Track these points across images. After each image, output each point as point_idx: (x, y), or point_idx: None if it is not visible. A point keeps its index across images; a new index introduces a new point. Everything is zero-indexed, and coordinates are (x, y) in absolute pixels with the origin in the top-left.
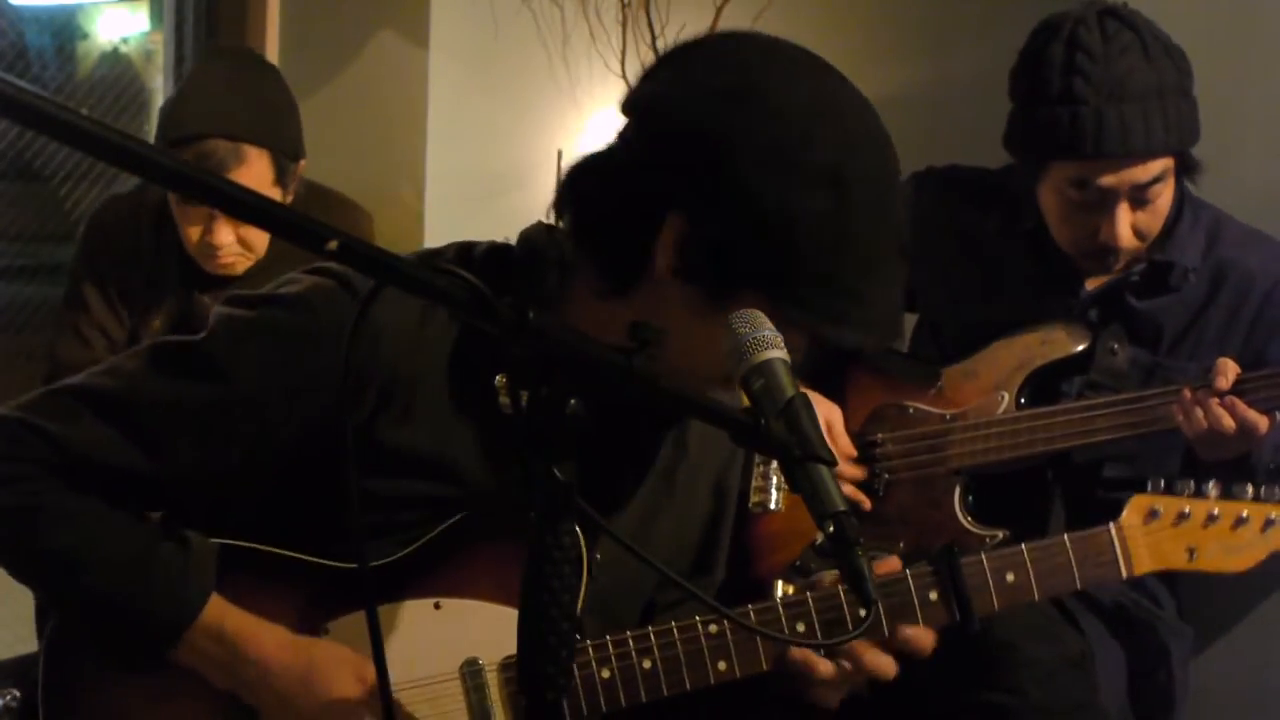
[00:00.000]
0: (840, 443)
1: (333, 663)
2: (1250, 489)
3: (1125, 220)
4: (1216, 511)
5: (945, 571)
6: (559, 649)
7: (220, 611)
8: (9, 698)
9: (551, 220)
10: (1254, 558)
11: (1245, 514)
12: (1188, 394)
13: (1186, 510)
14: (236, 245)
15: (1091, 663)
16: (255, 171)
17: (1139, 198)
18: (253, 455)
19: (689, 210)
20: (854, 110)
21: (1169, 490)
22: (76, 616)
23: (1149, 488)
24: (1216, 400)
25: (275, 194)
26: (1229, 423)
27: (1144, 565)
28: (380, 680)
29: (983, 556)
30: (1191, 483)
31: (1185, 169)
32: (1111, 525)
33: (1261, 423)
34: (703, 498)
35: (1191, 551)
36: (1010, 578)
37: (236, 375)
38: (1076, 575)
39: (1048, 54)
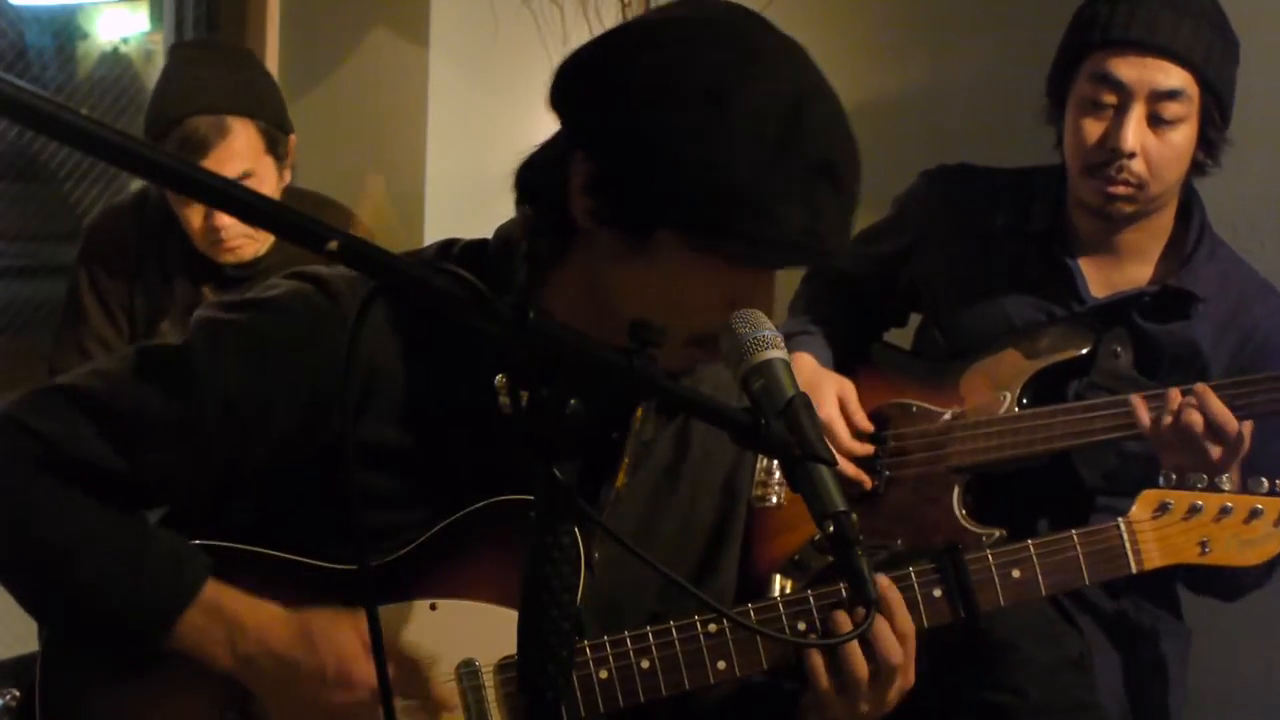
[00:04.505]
0: (856, 418)
1: (329, 620)
2: (1265, 483)
3: (1137, 125)
4: (1230, 504)
5: (949, 568)
6: (559, 649)
7: (217, 590)
8: (9, 698)
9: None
10: (1268, 551)
11: (1260, 506)
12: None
13: (1199, 503)
14: (240, 225)
15: (1091, 662)
16: (243, 143)
17: (1156, 114)
18: (234, 461)
19: (587, 146)
20: (755, 37)
21: (1181, 484)
22: (70, 613)
23: (1161, 482)
24: (1182, 396)
25: (269, 164)
26: (1196, 418)
27: (1154, 560)
28: (380, 680)
29: (988, 553)
30: (1205, 476)
31: (1211, 114)
32: (1120, 520)
33: (1231, 422)
34: (710, 497)
35: (1204, 545)
36: (1016, 574)
37: (213, 383)
38: (1084, 571)
39: None
